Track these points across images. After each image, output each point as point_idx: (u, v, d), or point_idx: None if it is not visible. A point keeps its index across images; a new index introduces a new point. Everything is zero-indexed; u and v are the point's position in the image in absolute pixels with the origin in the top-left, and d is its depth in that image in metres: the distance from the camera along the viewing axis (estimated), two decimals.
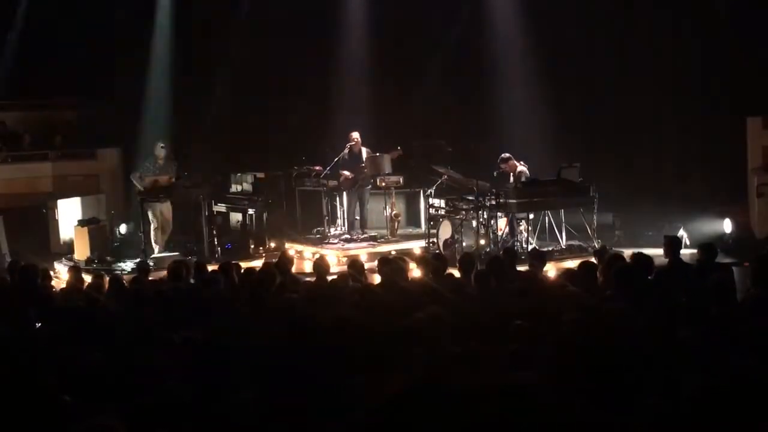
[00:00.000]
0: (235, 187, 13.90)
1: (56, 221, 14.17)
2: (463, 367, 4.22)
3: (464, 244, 11.48)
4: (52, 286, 8.71)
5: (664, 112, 14.58)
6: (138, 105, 15.36)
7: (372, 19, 15.59)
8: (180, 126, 15.11)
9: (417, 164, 13.17)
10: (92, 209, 14.26)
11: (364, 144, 13.14)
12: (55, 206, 14.24)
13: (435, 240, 12.00)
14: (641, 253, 7.07)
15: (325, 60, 15.79)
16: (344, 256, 11.82)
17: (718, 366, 3.84)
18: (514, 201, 11.23)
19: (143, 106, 15.27)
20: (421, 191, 13.03)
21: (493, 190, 11.28)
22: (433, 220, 12.19)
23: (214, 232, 12.53)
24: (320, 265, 8.07)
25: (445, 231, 11.80)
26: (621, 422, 3.52)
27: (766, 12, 12.80)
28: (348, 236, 12.93)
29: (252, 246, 12.90)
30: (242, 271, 8.30)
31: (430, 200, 12.17)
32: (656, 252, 8.48)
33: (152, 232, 12.31)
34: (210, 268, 8.73)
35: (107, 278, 8.50)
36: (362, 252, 12.00)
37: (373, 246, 12.49)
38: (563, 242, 11.75)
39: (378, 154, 12.93)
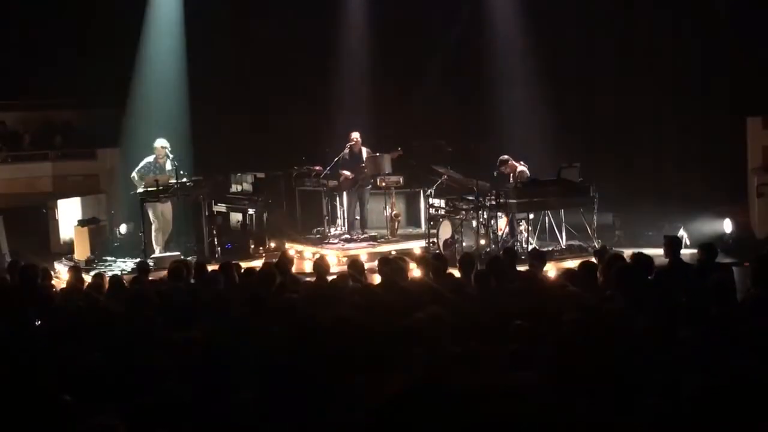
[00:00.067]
0: (235, 187, 13.89)
1: (56, 221, 14.18)
2: (463, 367, 4.23)
3: (464, 244, 11.47)
4: (52, 286, 8.69)
5: (664, 112, 14.57)
6: (138, 105, 15.34)
7: (372, 19, 15.58)
8: (180, 126, 15.08)
9: (417, 164, 13.17)
10: (92, 209, 14.26)
11: (364, 144, 13.14)
12: (55, 206, 14.24)
13: (435, 240, 12.00)
14: (641, 253, 7.07)
15: (325, 60, 15.79)
16: (344, 256, 11.82)
17: (718, 366, 3.85)
18: (514, 201, 11.23)
19: (143, 106, 15.25)
20: (421, 191, 13.03)
21: (494, 191, 11.29)
22: (433, 220, 12.19)
23: (214, 232, 12.52)
24: (320, 265, 8.07)
25: (445, 231, 11.80)
26: (621, 422, 3.52)
27: (766, 12, 12.79)
28: (348, 236, 12.94)
29: (252, 246, 12.89)
30: (242, 271, 8.29)
31: (430, 200, 12.17)
32: (656, 252, 8.48)
33: (153, 232, 12.31)
34: (210, 268, 8.72)
35: (107, 278, 8.49)
36: (362, 252, 12.00)
37: (373, 246, 12.50)
38: (563, 242, 11.75)
39: (378, 154, 12.93)
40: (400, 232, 13.14)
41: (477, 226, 11.32)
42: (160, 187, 11.95)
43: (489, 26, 15.23)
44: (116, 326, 5.90)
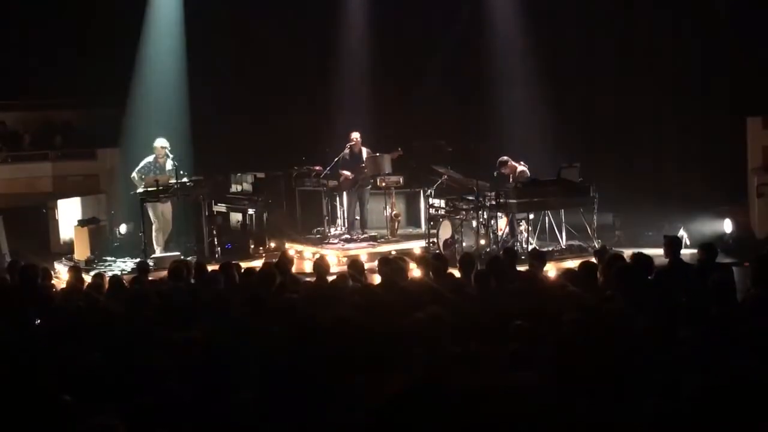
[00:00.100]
0: (235, 187, 13.90)
1: (56, 221, 14.18)
2: (463, 367, 4.23)
3: (464, 244, 11.47)
4: (52, 286, 8.69)
5: (664, 112, 14.56)
6: (138, 105, 15.33)
7: (372, 19, 15.58)
8: (180, 126, 15.08)
9: (417, 164, 13.17)
10: (92, 209, 14.26)
11: (364, 144, 13.14)
12: (55, 206, 14.24)
13: (435, 240, 12.00)
14: (641, 253, 7.07)
15: (325, 60, 15.78)
16: (344, 256, 11.82)
17: (718, 366, 3.85)
18: (514, 201, 11.23)
19: (143, 106, 15.25)
20: (421, 191, 13.03)
21: (494, 191, 11.29)
22: (433, 220, 12.19)
23: (214, 232, 12.53)
24: (320, 265, 8.07)
25: (445, 231, 11.80)
26: (621, 422, 3.52)
27: (766, 12, 12.79)
28: (348, 236, 12.93)
29: (252, 246, 12.89)
30: (242, 271, 8.29)
31: (430, 200, 12.16)
32: (656, 252, 8.48)
33: (153, 232, 12.31)
34: (210, 268, 8.72)
35: (107, 278, 8.49)
36: (362, 252, 12.00)
37: (373, 246, 12.50)
38: (563, 242, 11.75)
39: (378, 154, 12.93)
40: (400, 232, 13.14)
41: (477, 226, 11.32)
42: (160, 187, 11.95)
43: (489, 26, 15.22)
44: (116, 326, 5.90)
